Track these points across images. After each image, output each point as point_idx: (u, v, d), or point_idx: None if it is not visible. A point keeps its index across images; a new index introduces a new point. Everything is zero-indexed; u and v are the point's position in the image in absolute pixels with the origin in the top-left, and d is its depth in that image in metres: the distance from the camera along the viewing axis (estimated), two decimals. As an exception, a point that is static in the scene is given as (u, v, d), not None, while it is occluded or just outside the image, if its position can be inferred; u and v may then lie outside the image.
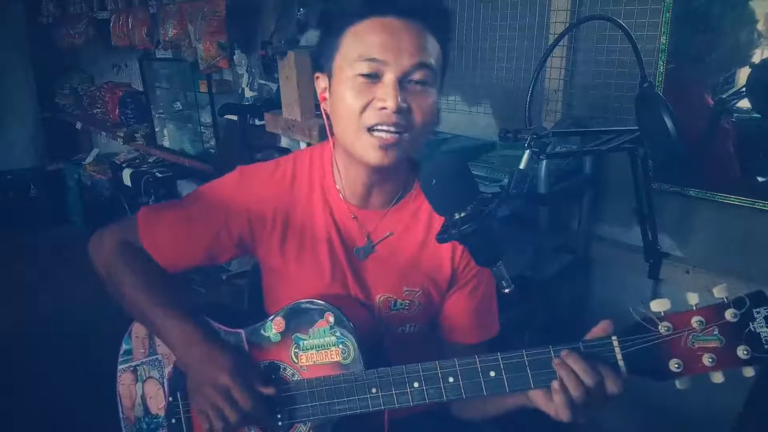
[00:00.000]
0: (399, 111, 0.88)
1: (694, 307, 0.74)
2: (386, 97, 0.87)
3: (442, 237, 0.85)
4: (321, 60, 0.96)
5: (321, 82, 0.98)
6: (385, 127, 0.89)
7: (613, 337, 0.78)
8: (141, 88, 3.68)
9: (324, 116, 1.00)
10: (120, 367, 1.16)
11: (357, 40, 0.89)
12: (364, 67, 0.88)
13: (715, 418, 1.46)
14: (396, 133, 0.89)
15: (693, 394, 0.75)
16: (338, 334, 0.93)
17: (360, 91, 0.89)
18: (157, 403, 1.11)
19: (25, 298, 3.13)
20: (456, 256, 1.04)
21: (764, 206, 1.44)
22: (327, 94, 0.96)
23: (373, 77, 0.88)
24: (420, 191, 1.02)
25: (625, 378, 0.78)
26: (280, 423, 0.98)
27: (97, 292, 1.09)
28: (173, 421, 1.09)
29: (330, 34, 0.92)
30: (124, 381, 1.15)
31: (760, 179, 1.44)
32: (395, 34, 0.88)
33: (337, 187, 1.03)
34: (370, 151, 0.90)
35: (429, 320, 1.08)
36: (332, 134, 0.98)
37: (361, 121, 0.89)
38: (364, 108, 0.89)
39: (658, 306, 0.75)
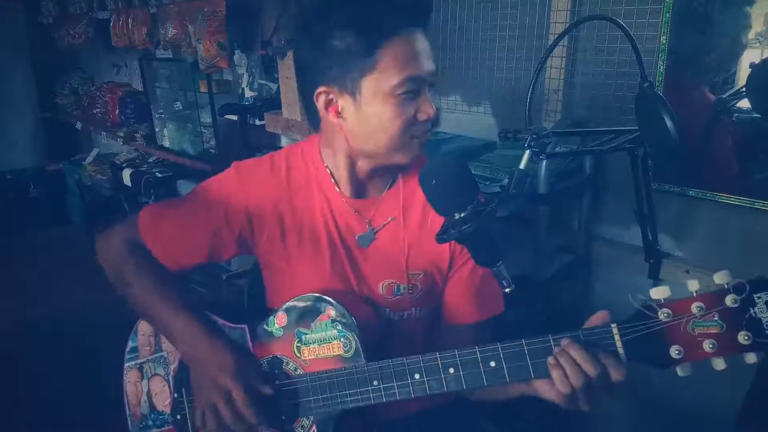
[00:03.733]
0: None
1: (695, 294, 0.74)
2: (429, 110, 0.94)
3: (442, 237, 0.86)
4: (331, 74, 0.93)
5: (328, 96, 0.95)
6: (426, 134, 0.97)
7: (613, 325, 0.78)
8: (141, 88, 3.67)
9: (336, 127, 0.98)
10: (126, 364, 1.18)
11: (397, 60, 0.90)
12: (411, 85, 0.92)
13: (718, 414, 1.46)
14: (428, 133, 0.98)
15: (697, 388, 0.75)
16: (339, 327, 0.95)
17: (404, 108, 0.93)
18: (163, 400, 1.12)
19: (25, 298, 3.13)
20: None
21: (764, 206, 1.44)
22: (346, 110, 0.95)
23: (416, 93, 0.93)
24: (414, 173, 1.03)
25: (625, 365, 0.78)
26: (283, 417, 0.99)
27: (97, 292, 1.09)
28: (178, 417, 1.10)
29: (353, 50, 0.90)
30: (130, 378, 1.17)
31: (760, 179, 1.44)
32: (423, 48, 0.93)
33: (333, 180, 1.05)
34: (411, 155, 0.97)
35: (432, 304, 1.09)
36: (347, 142, 0.99)
37: (408, 134, 0.94)
38: (410, 122, 0.94)
39: (658, 293, 0.75)
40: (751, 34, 1.41)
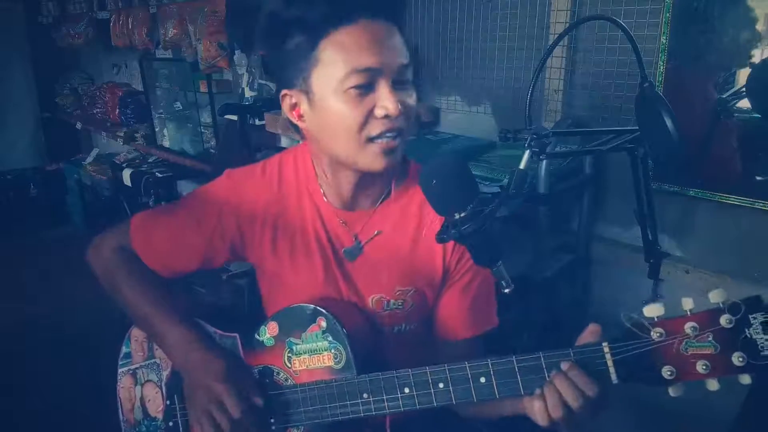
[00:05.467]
0: (399, 115, 0.86)
1: (688, 313, 0.71)
2: (387, 104, 0.85)
3: (442, 237, 0.86)
4: (288, 76, 0.91)
5: (291, 99, 0.93)
6: (388, 134, 0.87)
7: (604, 344, 0.76)
8: (141, 88, 3.68)
9: (303, 131, 0.97)
10: (120, 370, 1.17)
11: (340, 51, 0.84)
12: (359, 79, 0.85)
13: (712, 419, 1.46)
14: (397, 137, 0.89)
15: (690, 396, 0.74)
16: (330, 338, 0.94)
17: (357, 104, 0.86)
18: (156, 406, 1.11)
19: (25, 298, 3.13)
20: (447, 253, 1.03)
21: (764, 206, 1.44)
22: (305, 111, 0.92)
23: (367, 87, 0.86)
24: (409, 187, 1.02)
25: (616, 385, 0.77)
26: (273, 428, 0.99)
27: (97, 292, 1.09)
28: (171, 424, 1.09)
29: (301, 48, 0.87)
30: (124, 384, 1.16)
31: (759, 179, 1.44)
32: (378, 38, 0.85)
33: (321, 190, 1.02)
34: (375, 159, 0.89)
35: (424, 318, 1.08)
36: (318, 148, 0.96)
37: (363, 134, 0.87)
38: (365, 120, 0.87)
39: (651, 311, 0.73)
40: (751, 35, 1.41)
